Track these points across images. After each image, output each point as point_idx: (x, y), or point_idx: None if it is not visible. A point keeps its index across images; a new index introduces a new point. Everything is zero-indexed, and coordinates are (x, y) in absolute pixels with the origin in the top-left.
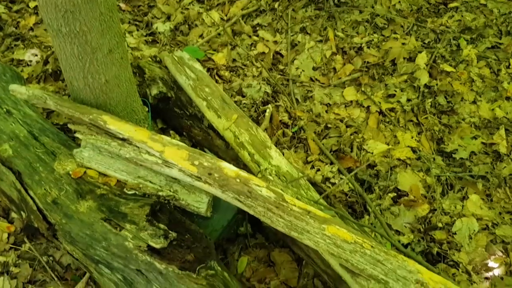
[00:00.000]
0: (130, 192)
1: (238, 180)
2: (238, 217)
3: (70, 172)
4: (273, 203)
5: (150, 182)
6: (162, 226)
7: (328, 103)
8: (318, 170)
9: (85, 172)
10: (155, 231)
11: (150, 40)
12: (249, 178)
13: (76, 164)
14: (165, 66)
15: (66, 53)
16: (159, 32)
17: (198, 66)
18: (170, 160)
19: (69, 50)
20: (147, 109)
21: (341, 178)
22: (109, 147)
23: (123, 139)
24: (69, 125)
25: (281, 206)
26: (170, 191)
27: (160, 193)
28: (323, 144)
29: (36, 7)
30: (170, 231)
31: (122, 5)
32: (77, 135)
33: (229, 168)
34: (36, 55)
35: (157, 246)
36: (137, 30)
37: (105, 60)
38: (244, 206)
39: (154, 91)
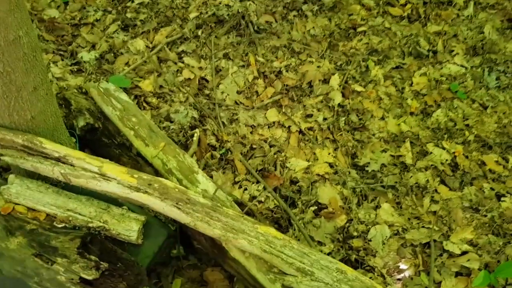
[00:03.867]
0: (60, 226)
1: (177, 190)
2: (170, 241)
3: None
4: (210, 208)
5: (80, 214)
6: (93, 257)
7: (253, 125)
8: (246, 189)
9: (13, 208)
10: (86, 263)
11: (76, 70)
12: (186, 190)
13: (4, 201)
14: (91, 97)
15: None
16: (84, 61)
17: (124, 96)
18: (108, 174)
19: None
20: (74, 140)
21: (267, 196)
22: (41, 165)
23: (58, 159)
24: None
25: (218, 210)
26: (100, 221)
27: (90, 225)
28: (249, 164)
29: None
30: (102, 262)
31: (46, 35)
32: (4, 158)
33: (168, 181)
34: None
35: (89, 278)
36: (62, 60)
37: (30, 97)
38: (182, 213)
39: (81, 122)
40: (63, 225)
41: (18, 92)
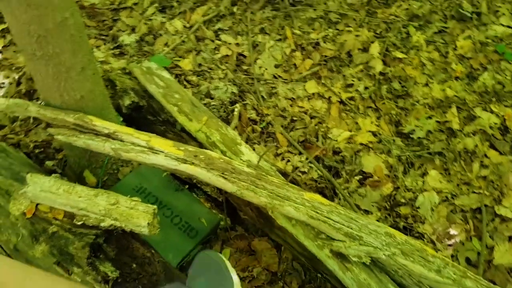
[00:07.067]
0: (79, 223)
1: (222, 160)
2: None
3: (25, 211)
4: (255, 176)
5: (92, 212)
6: (102, 268)
7: (292, 97)
8: (288, 161)
9: (37, 207)
10: (95, 277)
11: (118, 53)
12: (231, 160)
13: (30, 200)
14: (134, 77)
15: (42, 74)
16: (125, 44)
17: (166, 74)
18: (156, 147)
19: (44, 71)
20: (121, 119)
21: (310, 167)
22: (93, 142)
23: (108, 135)
24: (49, 130)
25: (263, 178)
26: (111, 219)
27: (102, 224)
28: (290, 136)
29: (3, 30)
30: (113, 270)
31: (87, 21)
32: (58, 137)
33: (213, 152)
34: (8, 77)
35: None
36: (104, 44)
37: (79, 77)
38: (228, 182)
39: (127, 101)
40: (81, 222)
41: (67, 73)
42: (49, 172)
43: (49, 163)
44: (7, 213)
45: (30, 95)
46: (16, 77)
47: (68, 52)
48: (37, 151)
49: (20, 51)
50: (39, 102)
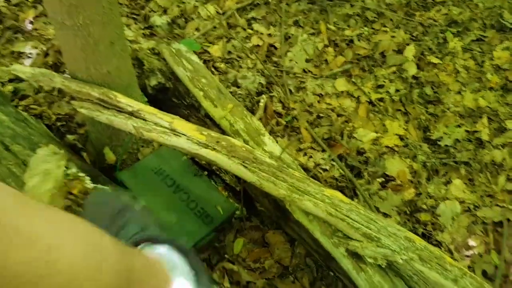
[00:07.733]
0: None
1: (244, 149)
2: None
3: None
4: (276, 168)
5: None
6: None
7: (320, 94)
8: (310, 157)
9: None
10: None
11: (148, 33)
12: (253, 150)
13: None
14: (163, 58)
15: (70, 45)
16: (156, 25)
17: (195, 58)
18: (178, 130)
19: (72, 42)
20: (146, 99)
21: (332, 165)
22: (116, 118)
23: (131, 113)
24: (72, 102)
25: (284, 171)
26: None
27: None
28: (315, 132)
29: (35, 1)
30: None
31: None
32: (81, 111)
33: (235, 140)
34: (36, 48)
35: None
36: (135, 23)
37: (107, 51)
38: (248, 171)
39: (153, 82)
40: None
41: (96, 46)
42: (69, 146)
43: (70, 137)
44: (22, 183)
45: (57, 67)
46: (44, 48)
47: (98, 24)
48: (59, 124)
49: (50, 21)
50: (64, 75)
